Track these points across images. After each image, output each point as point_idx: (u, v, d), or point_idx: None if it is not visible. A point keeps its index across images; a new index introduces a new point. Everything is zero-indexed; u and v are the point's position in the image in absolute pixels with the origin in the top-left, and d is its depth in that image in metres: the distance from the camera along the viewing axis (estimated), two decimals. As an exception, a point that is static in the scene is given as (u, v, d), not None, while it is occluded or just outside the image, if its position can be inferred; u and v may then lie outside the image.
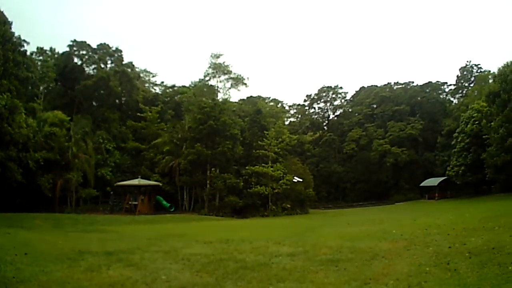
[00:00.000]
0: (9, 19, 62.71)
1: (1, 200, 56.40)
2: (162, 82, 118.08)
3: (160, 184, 79.87)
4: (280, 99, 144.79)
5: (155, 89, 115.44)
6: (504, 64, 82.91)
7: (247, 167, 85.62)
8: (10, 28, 62.76)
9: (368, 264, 17.23)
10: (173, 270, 17.11)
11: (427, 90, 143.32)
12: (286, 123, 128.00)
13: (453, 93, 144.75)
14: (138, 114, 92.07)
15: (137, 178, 76.85)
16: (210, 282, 14.89)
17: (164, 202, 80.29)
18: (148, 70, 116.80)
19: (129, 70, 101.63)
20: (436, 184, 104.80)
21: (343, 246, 22.41)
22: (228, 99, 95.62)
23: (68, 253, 21.28)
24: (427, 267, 15.39)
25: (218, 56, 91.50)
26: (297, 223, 55.92)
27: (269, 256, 20.03)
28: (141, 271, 16.88)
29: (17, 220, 45.72)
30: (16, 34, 66.67)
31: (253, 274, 16.00)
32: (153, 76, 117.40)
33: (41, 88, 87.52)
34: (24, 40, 72.20)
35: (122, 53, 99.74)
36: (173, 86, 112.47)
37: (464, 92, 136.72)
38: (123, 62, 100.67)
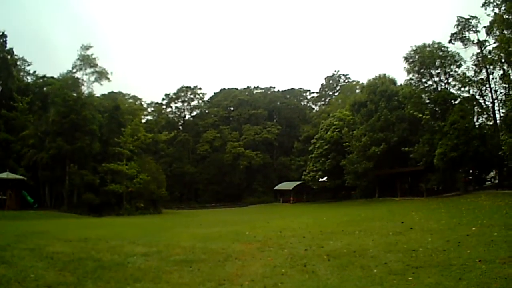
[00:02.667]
0: None
1: None
2: (35, 72, 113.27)
3: (25, 179, 76.34)
4: (139, 96, 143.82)
5: (27, 79, 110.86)
6: (375, 76, 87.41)
7: (103, 164, 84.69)
8: None
9: (222, 265, 17.80)
10: (39, 268, 17.21)
11: (288, 96, 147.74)
12: (143, 121, 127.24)
13: (315, 100, 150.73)
14: (11, 103, 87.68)
15: (5, 171, 73.92)
16: (73, 282, 15.05)
17: (29, 198, 77.68)
18: (25, 58, 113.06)
19: (9, 57, 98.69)
20: (291, 188, 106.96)
21: (196, 246, 23.09)
22: (91, 93, 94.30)
23: None
24: (283, 269, 15.93)
25: (87, 48, 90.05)
26: (150, 223, 56.35)
27: (125, 256, 20.44)
28: (13, 268, 16.87)
29: None
30: None
31: (111, 274, 16.31)
32: (28, 65, 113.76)
33: None
34: None
35: (7, 39, 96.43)
36: (44, 76, 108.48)
37: (327, 100, 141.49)
38: (6, 48, 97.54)
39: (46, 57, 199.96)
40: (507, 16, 50.35)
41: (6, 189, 72.17)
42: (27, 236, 29.39)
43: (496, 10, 54.75)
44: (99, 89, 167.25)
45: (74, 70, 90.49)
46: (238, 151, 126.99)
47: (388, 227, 27.05)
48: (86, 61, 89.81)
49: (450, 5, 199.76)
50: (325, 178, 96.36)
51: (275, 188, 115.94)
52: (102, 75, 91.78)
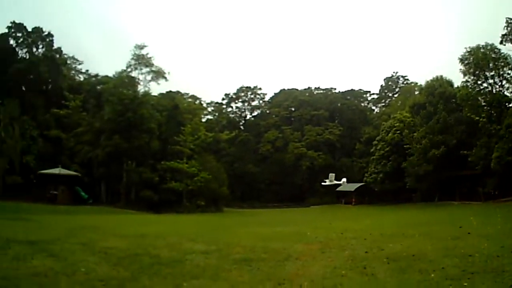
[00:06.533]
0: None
1: None
2: (87, 71, 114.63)
3: (79, 175, 78.36)
4: (198, 96, 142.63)
5: (79, 77, 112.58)
6: (433, 78, 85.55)
7: (162, 162, 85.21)
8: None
9: (282, 264, 17.37)
10: (91, 262, 17.10)
11: (348, 97, 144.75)
12: (203, 120, 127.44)
13: (375, 102, 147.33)
14: (63, 101, 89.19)
15: (57, 167, 75.35)
16: (127, 277, 14.93)
17: (83, 193, 78.70)
18: (75, 57, 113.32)
19: (58, 55, 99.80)
20: (353, 190, 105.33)
21: (257, 246, 22.71)
22: (148, 92, 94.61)
23: (-4, 241, 21.12)
24: (343, 271, 15.44)
25: (141, 48, 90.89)
26: (210, 221, 56.51)
27: (183, 253, 20.25)
28: (62, 262, 16.84)
29: None
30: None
31: (168, 270, 16.16)
32: (79, 64, 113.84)
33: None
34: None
35: (53, 38, 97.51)
36: (96, 75, 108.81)
37: (387, 101, 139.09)
38: (53, 47, 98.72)
39: (101, 55, 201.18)
40: None
41: (58, 184, 73.86)
42: (79, 230, 29.62)
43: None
44: (157, 88, 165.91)
45: (129, 70, 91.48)
46: (301, 151, 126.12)
47: (447, 231, 26.15)
48: (141, 60, 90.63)
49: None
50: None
51: (337, 189, 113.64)
52: (158, 74, 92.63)
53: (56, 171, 73.97)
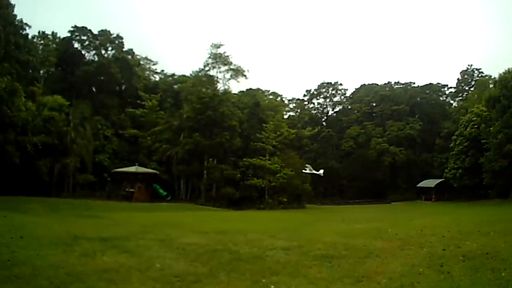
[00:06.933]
0: (12, 2, 62.99)
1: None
2: (162, 71, 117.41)
3: (157, 172, 79.80)
4: (279, 93, 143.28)
5: (155, 77, 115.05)
6: (505, 70, 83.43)
7: (244, 159, 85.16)
8: (13, 11, 63.04)
9: (362, 261, 17.14)
10: (167, 258, 17.17)
11: (427, 92, 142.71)
12: (285, 116, 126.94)
13: (453, 96, 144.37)
14: (138, 101, 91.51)
15: (134, 165, 77.01)
16: (204, 272, 14.94)
17: (161, 191, 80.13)
18: (148, 58, 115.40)
19: (129, 57, 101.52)
20: (433, 186, 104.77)
21: (338, 242, 22.29)
22: (228, 90, 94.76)
23: (63, 237, 21.21)
24: (421, 268, 15.31)
25: (218, 46, 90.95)
26: (292, 217, 56.20)
27: (264, 249, 20.05)
28: (136, 258, 16.95)
29: (13, 203, 45.86)
30: (18, 17, 66.74)
31: (247, 266, 16.07)
32: (153, 64, 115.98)
33: (42, 72, 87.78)
34: (26, 24, 72.04)
35: (123, 40, 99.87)
36: (173, 74, 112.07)
37: (464, 95, 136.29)
38: (124, 49, 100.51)
39: (175, 55, 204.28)
40: None
41: (135, 182, 75.16)
42: (156, 227, 29.91)
43: None
44: (237, 86, 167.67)
45: (207, 68, 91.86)
46: (383, 147, 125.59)
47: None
48: (219, 59, 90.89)
49: None
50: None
51: (418, 185, 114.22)
52: (238, 72, 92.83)
53: (132, 169, 75.69)
